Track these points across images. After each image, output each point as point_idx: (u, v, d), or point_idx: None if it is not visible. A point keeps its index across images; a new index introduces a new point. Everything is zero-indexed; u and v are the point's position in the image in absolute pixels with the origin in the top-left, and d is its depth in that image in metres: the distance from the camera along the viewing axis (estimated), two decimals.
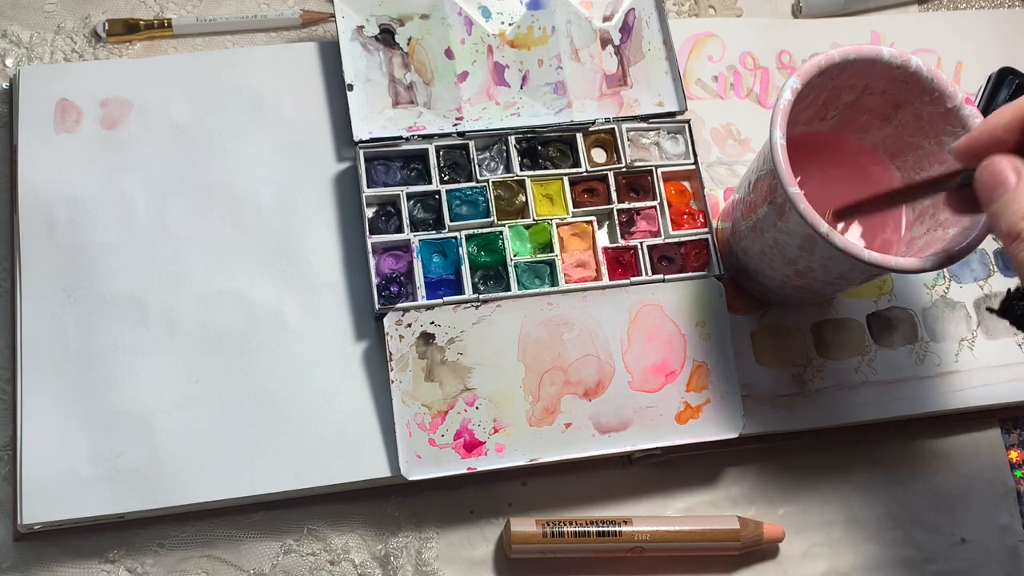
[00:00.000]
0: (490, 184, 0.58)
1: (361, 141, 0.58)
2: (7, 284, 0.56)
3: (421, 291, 0.55)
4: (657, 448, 0.56)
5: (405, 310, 0.55)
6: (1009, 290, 0.44)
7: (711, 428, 0.56)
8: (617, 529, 0.55)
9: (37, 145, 0.57)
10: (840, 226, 0.55)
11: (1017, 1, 0.71)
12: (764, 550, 0.57)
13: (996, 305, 0.45)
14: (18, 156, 0.57)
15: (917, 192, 0.50)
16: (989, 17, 0.69)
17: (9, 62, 0.61)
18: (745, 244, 0.56)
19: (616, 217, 0.59)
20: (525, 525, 0.54)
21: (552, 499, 0.57)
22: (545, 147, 0.60)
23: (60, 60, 0.61)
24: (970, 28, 0.68)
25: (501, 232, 0.57)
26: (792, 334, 0.59)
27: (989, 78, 0.66)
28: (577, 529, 0.54)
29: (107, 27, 0.61)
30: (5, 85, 0.60)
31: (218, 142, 0.58)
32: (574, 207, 0.59)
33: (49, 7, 0.62)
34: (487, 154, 0.59)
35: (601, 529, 0.54)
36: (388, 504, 0.56)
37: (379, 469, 0.54)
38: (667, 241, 0.59)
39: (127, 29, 0.62)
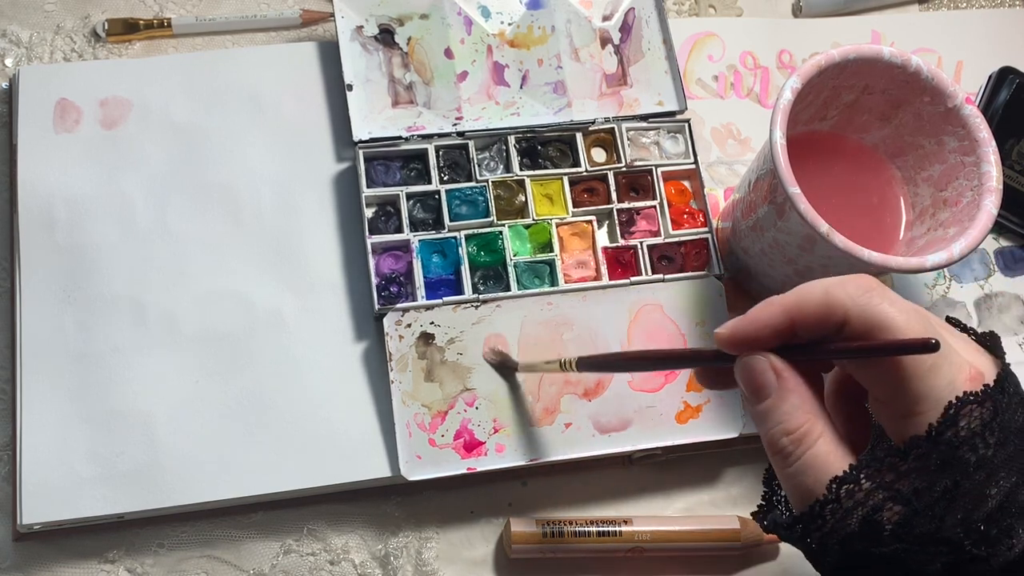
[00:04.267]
0: (490, 184, 0.58)
1: (360, 141, 0.58)
2: (7, 284, 0.56)
3: (421, 291, 0.55)
4: (657, 448, 0.56)
5: (405, 310, 0.55)
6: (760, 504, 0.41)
7: (711, 428, 0.56)
8: (617, 529, 0.54)
9: (37, 145, 0.57)
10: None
11: (1017, 1, 0.71)
12: (764, 550, 0.57)
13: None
14: (18, 156, 0.57)
15: (672, 361, 0.47)
16: (989, 17, 0.69)
17: (9, 62, 0.61)
18: (745, 244, 0.56)
19: (616, 217, 0.59)
20: (525, 525, 0.54)
21: (552, 499, 0.57)
22: (545, 147, 0.60)
23: (60, 60, 0.61)
24: (970, 28, 0.68)
25: (501, 232, 0.57)
26: None
27: (989, 78, 0.66)
28: (577, 529, 0.54)
29: (107, 27, 0.61)
30: (5, 85, 0.60)
31: (218, 142, 0.58)
32: (574, 207, 0.59)
33: (49, 7, 0.62)
34: (487, 154, 0.59)
35: (601, 529, 0.54)
36: (388, 504, 0.56)
37: (379, 469, 0.54)
38: (667, 241, 0.59)
39: (127, 29, 0.62)
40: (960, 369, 0.36)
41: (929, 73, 0.52)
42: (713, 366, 0.41)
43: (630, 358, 0.50)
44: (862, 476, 0.36)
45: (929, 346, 0.34)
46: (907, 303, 0.37)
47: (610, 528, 0.54)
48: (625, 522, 0.55)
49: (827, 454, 0.37)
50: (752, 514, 0.42)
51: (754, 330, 0.38)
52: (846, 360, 0.39)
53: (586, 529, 0.54)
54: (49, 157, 0.57)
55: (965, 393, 0.35)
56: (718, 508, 0.58)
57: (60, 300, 0.54)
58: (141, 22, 0.62)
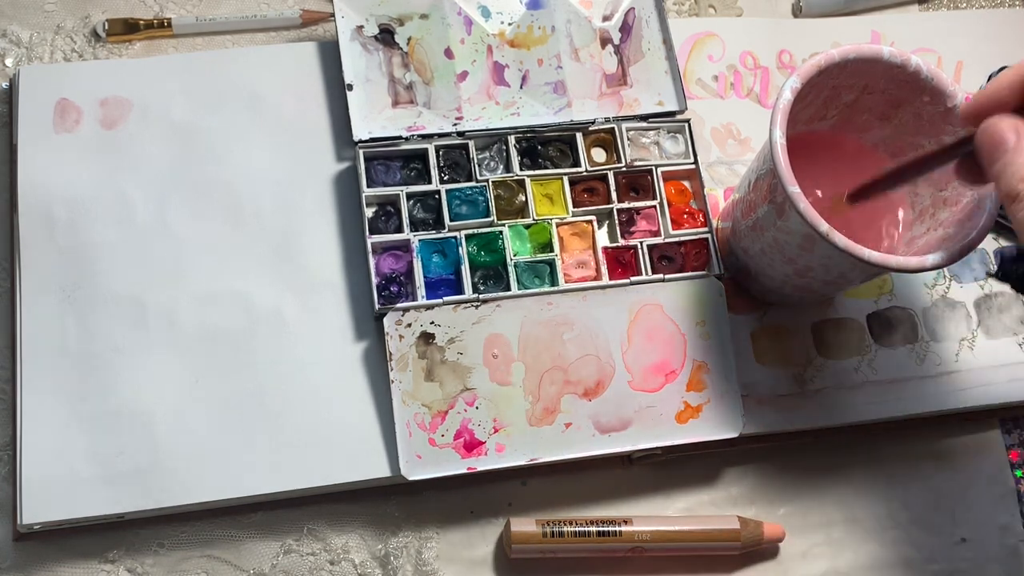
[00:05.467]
0: (490, 184, 0.58)
1: (361, 141, 0.58)
2: (7, 284, 0.56)
3: (421, 291, 0.55)
4: (657, 448, 0.56)
5: (405, 310, 0.55)
6: (1002, 253, 0.44)
7: (711, 428, 0.56)
8: (617, 529, 0.54)
9: (37, 145, 0.57)
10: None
11: (1017, 1, 0.71)
12: (764, 550, 0.57)
13: (995, 269, 0.45)
14: (18, 156, 0.57)
15: (927, 164, 0.49)
16: (989, 17, 0.69)
17: (9, 62, 0.61)
18: (745, 244, 0.56)
19: (616, 217, 0.59)
20: (525, 525, 0.54)
21: (552, 499, 0.57)
22: (545, 147, 0.60)
23: (60, 60, 0.61)
24: (970, 28, 0.68)
25: (501, 232, 0.57)
26: (792, 334, 0.59)
27: (989, 78, 0.66)
28: (577, 529, 0.54)
29: (107, 27, 0.61)
30: (5, 85, 0.60)
31: (218, 142, 0.58)
32: (574, 207, 0.59)
33: (49, 7, 0.62)
34: (487, 154, 0.59)
35: (601, 529, 0.54)
36: (388, 504, 0.56)
37: (379, 469, 0.54)
38: (667, 241, 0.59)
39: (127, 29, 0.62)
40: None
41: (929, 73, 0.52)
42: (960, 156, 0.45)
43: (892, 175, 0.51)
44: None
45: None
46: None
47: (610, 528, 0.54)
48: (625, 522, 0.55)
49: None
50: (987, 273, 0.46)
51: (989, 100, 0.43)
52: None
53: (586, 529, 0.54)
54: (49, 157, 0.57)
55: None
56: (718, 508, 0.58)
57: (60, 300, 0.54)
58: (141, 22, 0.62)
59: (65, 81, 0.58)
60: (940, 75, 0.52)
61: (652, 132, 0.61)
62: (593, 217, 0.59)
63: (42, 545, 0.53)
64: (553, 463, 0.55)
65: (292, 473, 0.53)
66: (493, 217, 0.57)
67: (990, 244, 0.64)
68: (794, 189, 0.49)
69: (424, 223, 0.57)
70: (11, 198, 0.57)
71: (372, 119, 0.58)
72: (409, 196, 0.57)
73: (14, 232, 0.56)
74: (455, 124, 0.59)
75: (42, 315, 0.54)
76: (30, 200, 0.56)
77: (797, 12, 0.68)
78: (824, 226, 0.49)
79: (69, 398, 0.53)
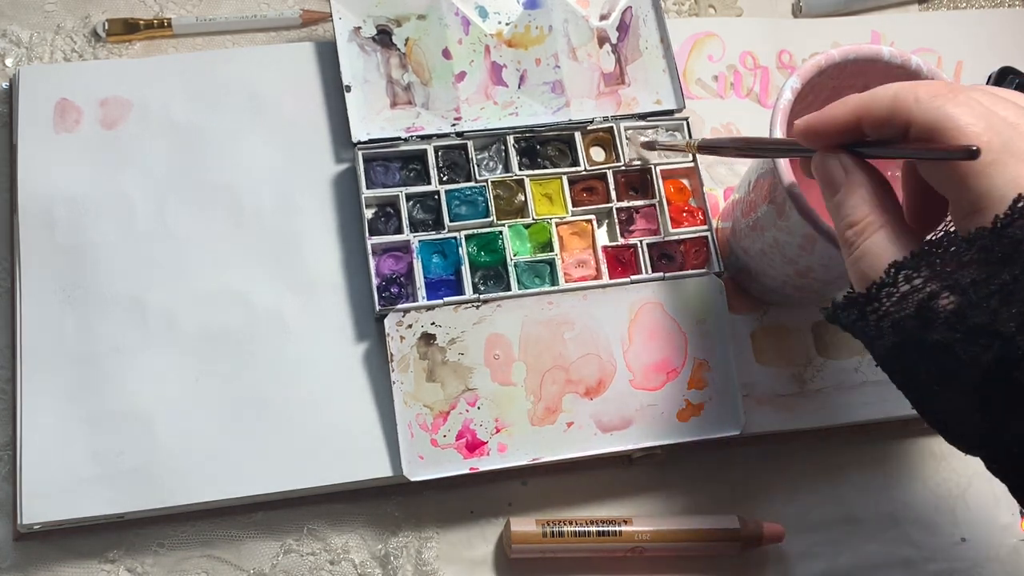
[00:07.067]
0: (489, 184, 0.58)
1: (359, 142, 0.57)
2: (7, 284, 0.56)
3: (421, 292, 0.55)
4: (657, 448, 0.56)
5: (406, 311, 0.55)
6: (833, 300, 0.42)
7: (713, 425, 0.56)
8: (617, 529, 0.54)
9: (37, 145, 0.57)
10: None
11: (1017, 1, 0.71)
12: (764, 550, 0.57)
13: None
14: (18, 156, 0.57)
15: (776, 151, 0.49)
16: (989, 17, 0.69)
17: (9, 62, 0.61)
18: (745, 244, 0.56)
19: (615, 215, 0.59)
20: (525, 525, 0.54)
21: (552, 499, 0.57)
22: (544, 146, 0.60)
23: (60, 60, 0.61)
24: (970, 28, 0.68)
25: (501, 232, 0.57)
26: (792, 334, 0.59)
27: (989, 78, 0.66)
28: (577, 529, 0.54)
29: (107, 27, 0.61)
30: (5, 85, 0.60)
31: (218, 142, 0.58)
32: (573, 206, 0.59)
33: (49, 7, 0.62)
34: (486, 154, 0.59)
35: (601, 529, 0.54)
36: (388, 504, 0.56)
37: (380, 469, 0.54)
38: (667, 239, 0.59)
39: (127, 29, 0.62)
40: None
41: (929, 73, 0.52)
42: (801, 156, 0.45)
43: (739, 143, 0.53)
44: (922, 264, 0.37)
45: (969, 153, 0.35)
46: (992, 103, 0.38)
47: (610, 528, 0.54)
48: (625, 522, 0.55)
49: (886, 244, 0.39)
50: (821, 309, 0.42)
51: (822, 124, 0.42)
52: (914, 161, 0.41)
53: (586, 529, 0.54)
54: (49, 157, 0.57)
55: None
56: (718, 507, 0.58)
57: (60, 300, 0.54)
58: (141, 22, 0.62)
59: (65, 81, 0.58)
60: (940, 75, 0.52)
61: (651, 130, 0.61)
62: (592, 216, 0.59)
63: (42, 545, 0.53)
64: (553, 463, 0.55)
65: (292, 473, 0.53)
66: (493, 217, 0.57)
67: None
68: (794, 188, 0.49)
69: (424, 224, 0.57)
70: (11, 198, 0.57)
71: (370, 120, 0.58)
72: (408, 197, 0.57)
73: (14, 232, 0.56)
74: (454, 124, 0.59)
75: (42, 315, 0.54)
76: (30, 200, 0.56)
77: (797, 12, 0.68)
78: (825, 226, 0.49)
79: (69, 398, 0.53)
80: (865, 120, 0.40)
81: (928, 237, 0.39)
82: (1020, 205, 0.35)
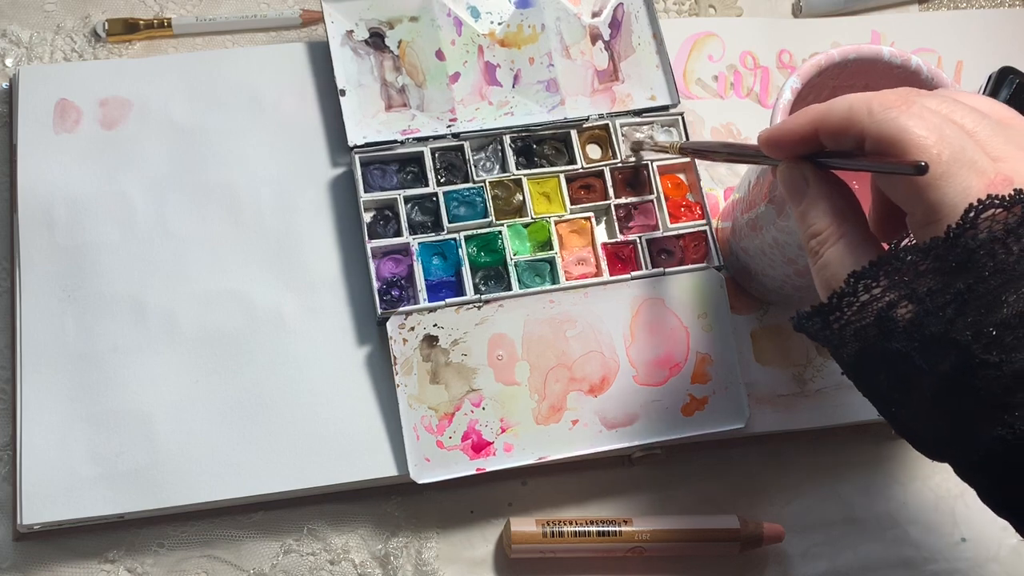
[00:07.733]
0: (487, 184, 0.58)
1: (356, 146, 0.57)
2: (7, 284, 0.56)
3: (422, 294, 0.55)
4: (657, 448, 0.56)
5: (407, 314, 0.55)
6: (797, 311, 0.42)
7: (717, 419, 0.56)
8: (617, 529, 0.55)
9: (37, 145, 0.57)
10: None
11: (1017, 1, 0.71)
12: (764, 550, 0.57)
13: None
14: (17, 156, 0.57)
15: (753, 159, 0.49)
16: (989, 17, 0.69)
17: (9, 62, 0.61)
18: (745, 243, 0.56)
19: (614, 212, 0.59)
20: (525, 525, 0.54)
21: (552, 499, 0.57)
22: (540, 145, 0.60)
23: (60, 60, 0.61)
24: (970, 28, 0.68)
25: (500, 232, 0.57)
26: (792, 334, 0.59)
27: (989, 78, 0.65)
28: (577, 529, 0.54)
29: (107, 27, 0.61)
30: (5, 85, 0.60)
31: (218, 142, 0.58)
32: (571, 204, 0.59)
33: (49, 7, 0.62)
34: (482, 154, 0.59)
35: (601, 529, 0.54)
36: (388, 504, 0.56)
37: (380, 469, 0.54)
38: (665, 234, 0.59)
39: (127, 29, 0.62)
40: (981, 175, 0.36)
41: (929, 73, 0.52)
42: (771, 164, 0.45)
43: (719, 146, 0.54)
44: (881, 274, 0.37)
45: (918, 168, 0.36)
46: (950, 110, 0.38)
47: (610, 528, 0.54)
48: (625, 522, 0.55)
49: (847, 253, 0.39)
50: (789, 318, 0.42)
51: (783, 135, 0.42)
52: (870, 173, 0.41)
53: (586, 529, 0.54)
54: (49, 157, 0.57)
55: (989, 197, 0.35)
56: (718, 507, 0.58)
57: (60, 300, 0.54)
58: (141, 22, 0.62)
59: (65, 81, 0.58)
60: (940, 75, 0.52)
61: (646, 126, 0.61)
62: (591, 213, 0.59)
63: (42, 545, 0.53)
64: (553, 463, 0.55)
65: (293, 473, 0.53)
66: (491, 217, 0.57)
67: None
68: None
69: (423, 226, 0.57)
70: (11, 198, 0.57)
71: (366, 124, 0.58)
72: (407, 199, 0.57)
73: (14, 232, 0.56)
74: (449, 126, 0.59)
75: (42, 315, 0.54)
76: (30, 200, 0.56)
77: (797, 12, 0.68)
78: None
79: (69, 398, 0.53)
80: (821, 132, 0.40)
81: (887, 247, 0.39)
82: (971, 215, 0.35)
